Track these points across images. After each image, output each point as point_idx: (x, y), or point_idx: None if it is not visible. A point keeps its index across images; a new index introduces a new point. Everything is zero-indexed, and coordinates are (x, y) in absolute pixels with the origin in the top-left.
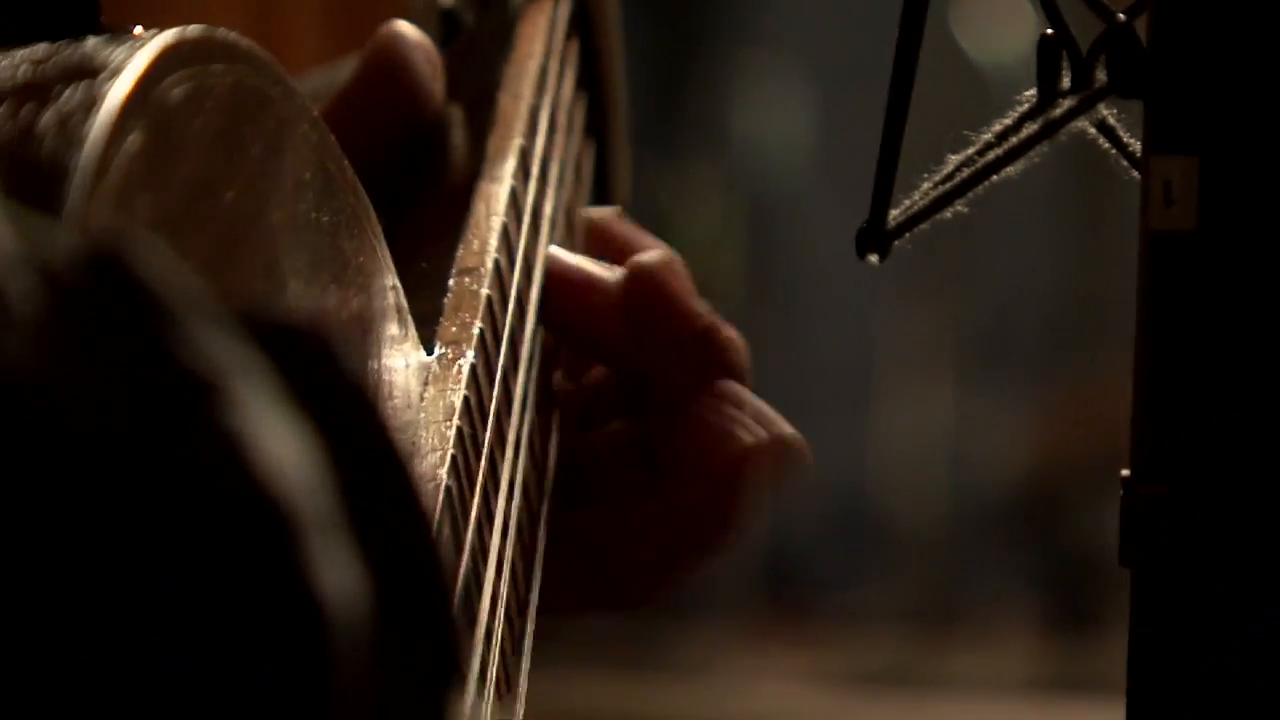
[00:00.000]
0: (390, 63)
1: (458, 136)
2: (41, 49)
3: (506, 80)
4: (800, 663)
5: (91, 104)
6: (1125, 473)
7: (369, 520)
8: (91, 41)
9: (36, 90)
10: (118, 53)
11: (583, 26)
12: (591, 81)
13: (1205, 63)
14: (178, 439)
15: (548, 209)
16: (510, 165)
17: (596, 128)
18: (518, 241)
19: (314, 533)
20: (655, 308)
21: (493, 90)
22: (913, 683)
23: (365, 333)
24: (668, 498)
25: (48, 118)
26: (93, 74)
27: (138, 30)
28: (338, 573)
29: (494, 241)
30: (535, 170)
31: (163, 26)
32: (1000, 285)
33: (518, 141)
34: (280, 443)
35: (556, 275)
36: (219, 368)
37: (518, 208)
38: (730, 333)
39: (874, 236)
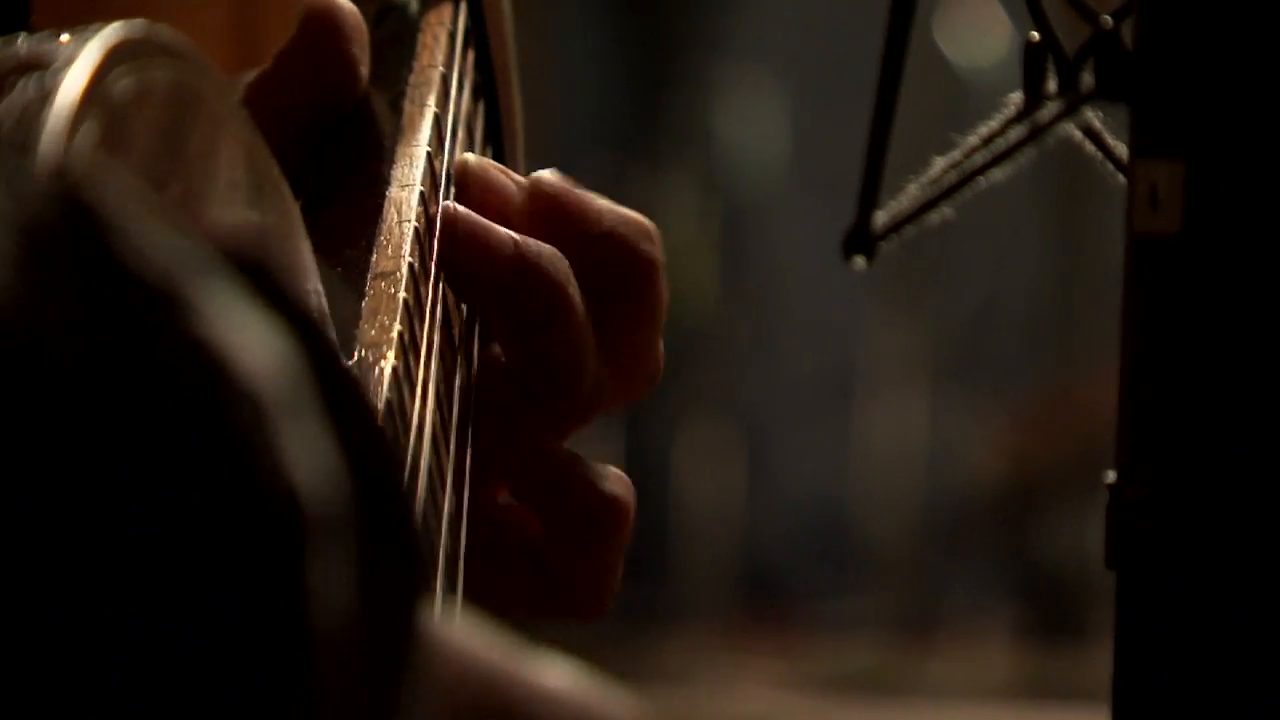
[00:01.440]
0: (328, 28)
1: (362, 139)
2: None
3: (410, 90)
4: (779, 670)
5: (46, 95)
6: (1111, 475)
7: (336, 409)
8: (29, 39)
9: None
10: (65, 47)
11: (479, 38)
12: (488, 91)
13: (1191, 67)
14: (142, 346)
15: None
16: (419, 171)
17: (493, 136)
18: (430, 245)
19: (286, 418)
20: (562, 207)
21: (398, 99)
22: (891, 690)
23: None
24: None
25: (4, 108)
26: (44, 66)
27: (64, 38)
28: (311, 457)
29: (407, 246)
30: (443, 176)
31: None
32: (977, 294)
33: (425, 149)
34: (245, 336)
35: (448, 222)
36: (180, 271)
37: (427, 213)
38: (540, 248)
39: (860, 239)
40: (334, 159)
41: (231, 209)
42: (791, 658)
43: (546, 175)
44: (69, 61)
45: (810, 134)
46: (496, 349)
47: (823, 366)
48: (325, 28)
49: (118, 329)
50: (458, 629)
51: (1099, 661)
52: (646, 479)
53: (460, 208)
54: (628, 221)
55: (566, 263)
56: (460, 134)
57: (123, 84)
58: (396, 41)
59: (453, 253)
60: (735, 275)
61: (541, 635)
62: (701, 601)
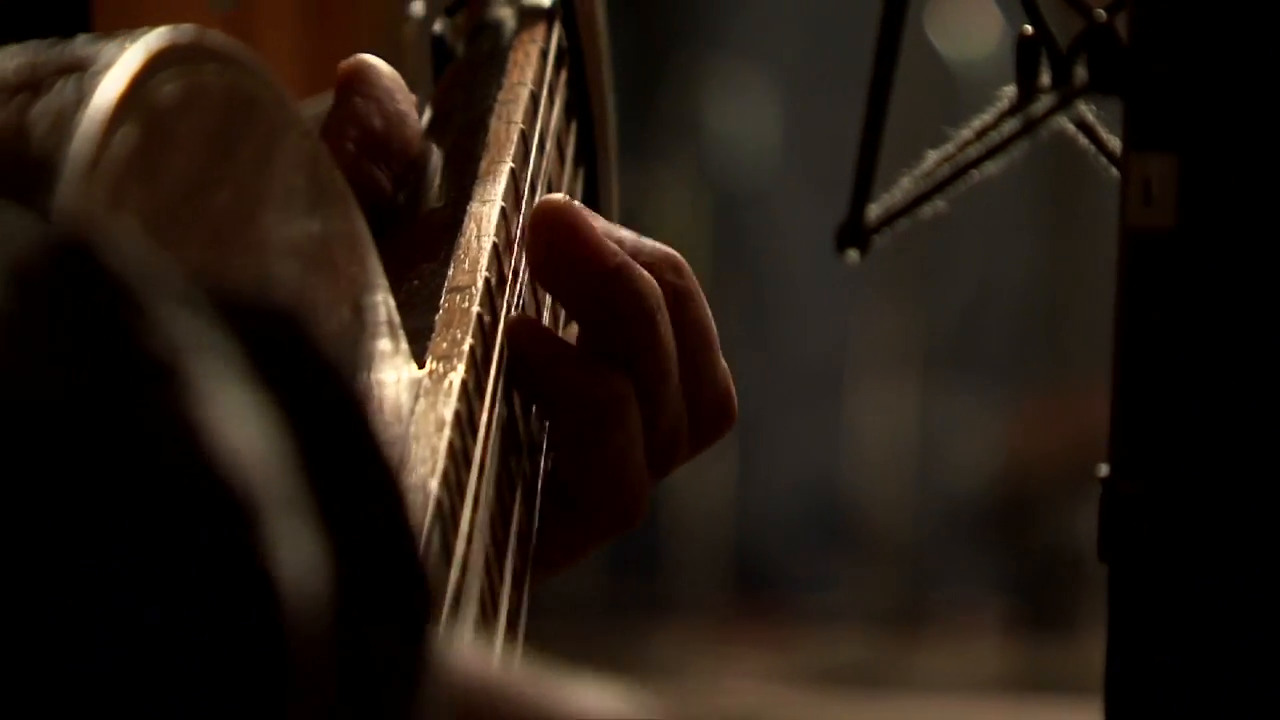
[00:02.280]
0: (355, 84)
1: (451, 159)
2: (33, 45)
3: (499, 107)
4: (770, 662)
5: (82, 98)
6: (1104, 469)
7: (334, 498)
8: (83, 38)
9: (28, 84)
10: (109, 48)
11: (574, 57)
12: (581, 110)
13: (1185, 61)
14: (130, 423)
15: None
16: (501, 187)
17: (586, 154)
18: (508, 262)
19: (270, 513)
20: (560, 244)
21: (485, 116)
22: (882, 682)
23: (355, 345)
24: (577, 527)
25: (38, 110)
26: (83, 68)
27: (135, 33)
28: (297, 552)
29: (484, 261)
30: (525, 193)
31: (99, 24)
32: (971, 285)
33: (508, 165)
34: (239, 423)
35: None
36: (179, 349)
37: (508, 230)
38: (643, 275)
39: (853, 232)
40: (422, 181)
41: (289, 215)
42: (781, 650)
43: (549, 198)
44: (109, 64)
45: (802, 126)
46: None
47: (814, 358)
48: (352, 85)
49: (108, 405)
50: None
51: (1090, 654)
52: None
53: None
54: (654, 252)
55: (652, 279)
56: (549, 149)
57: (168, 88)
58: (489, 59)
59: (538, 240)
60: (727, 267)
61: (533, 626)
62: (691, 594)
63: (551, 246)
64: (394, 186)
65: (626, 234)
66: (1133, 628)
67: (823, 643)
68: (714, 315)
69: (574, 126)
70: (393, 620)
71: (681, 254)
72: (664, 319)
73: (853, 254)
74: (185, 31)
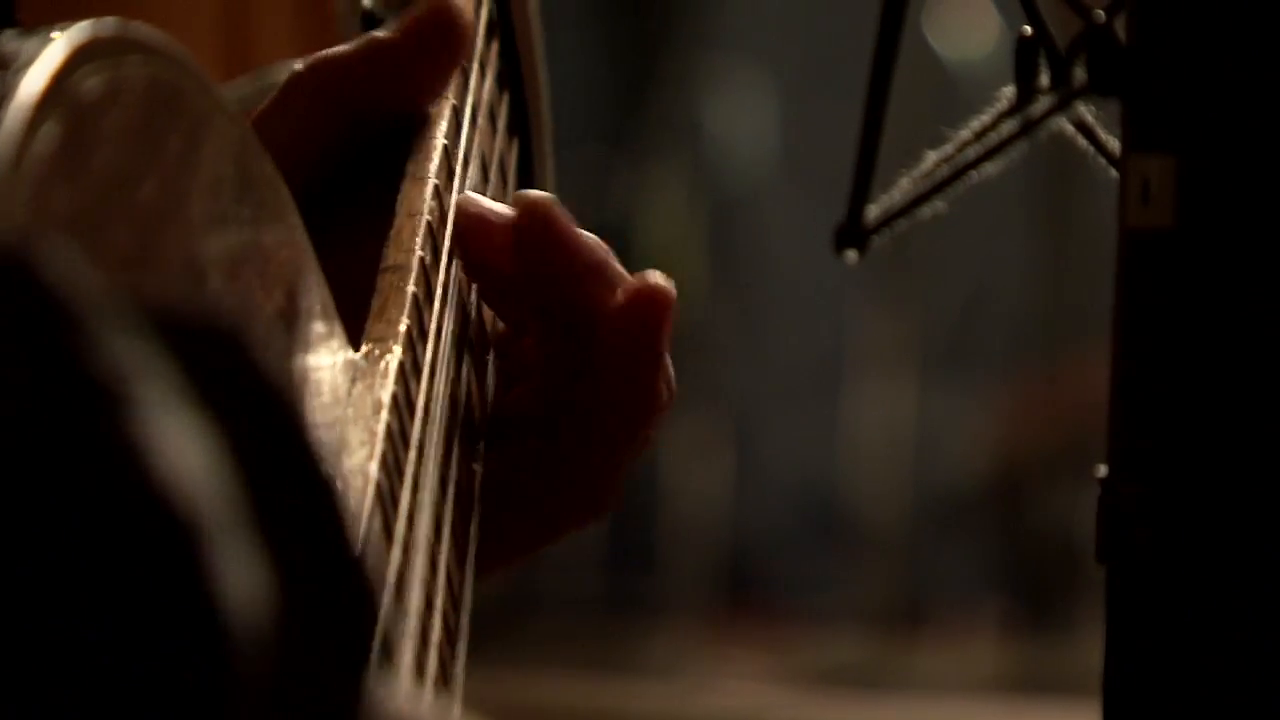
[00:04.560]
0: (452, 28)
1: (387, 134)
2: None
3: None
4: (766, 662)
5: (3, 96)
6: (1103, 471)
7: (277, 518)
8: (6, 34)
9: None
10: (29, 45)
11: (504, 27)
12: (514, 81)
13: (1184, 62)
14: (73, 448)
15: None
16: (434, 164)
17: (519, 126)
18: (442, 238)
19: (212, 537)
20: (548, 237)
21: None
22: (879, 682)
23: (289, 329)
24: (597, 390)
25: None
26: (4, 66)
27: (58, 28)
28: (237, 578)
29: (419, 240)
30: (458, 169)
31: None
32: (966, 286)
33: (441, 141)
34: (180, 447)
35: (460, 213)
36: (120, 373)
37: (441, 206)
38: (618, 269)
39: (852, 233)
40: (356, 154)
41: (217, 204)
42: (778, 650)
43: (534, 195)
44: (29, 61)
45: (798, 127)
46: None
47: (810, 358)
48: (454, 34)
49: (50, 429)
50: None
51: (1087, 654)
52: (633, 470)
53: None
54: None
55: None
56: (481, 123)
57: (91, 82)
58: None
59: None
60: (723, 267)
61: (528, 626)
62: (687, 593)
63: (538, 242)
64: (358, 155)
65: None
66: (1131, 629)
67: (819, 643)
68: (709, 315)
69: (506, 98)
70: (334, 646)
71: (677, 254)
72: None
73: (851, 255)
74: (107, 24)
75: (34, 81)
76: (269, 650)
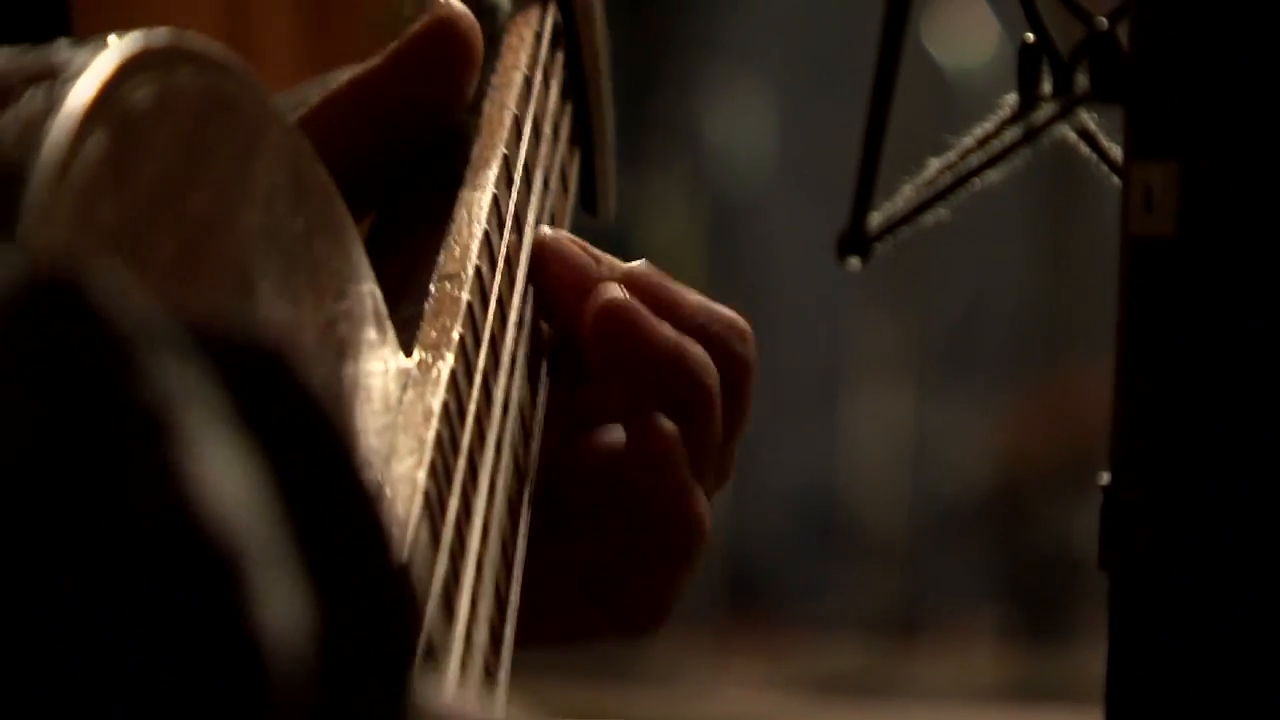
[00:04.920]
0: (454, 38)
1: (446, 144)
2: (5, 52)
3: (492, 91)
4: (766, 669)
5: (52, 107)
6: (1105, 478)
7: (320, 547)
8: (58, 44)
9: None
10: (80, 55)
11: (569, 38)
12: (577, 91)
13: (1186, 69)
14: (117, 476)
15: (530, 216)
16: (493, 173)
17: (582, 137)
18: (499, 248)
19: (255, 569)
20: (624, 343)
21: (479, 100)
22: (879, 690)
23: (342, 338)
24: (623, 509)
25: (7, 119)
26: (53, 76)
27: (110, 38)
28: (280, 607)
29: (475, 248)
30: (519, 178)
31: (98, 24)
32: (966, 290)
33: (501, 150)
34: (225, 477)
35: (548, 252)
36: (165, 400)
37: (500, 215)
38: (698, 351)
39: (855, 240)
40: (418, 163)
41: (271, 212)
42: (777, 658)
43: (641, 266)
44: (80, 71)
45: (798, 134)
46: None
47: (810, 366)
48: (452, 47)
49: (94, 457)
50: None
51: (1087, 662)
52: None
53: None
54: (722, 320)
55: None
56: (546, 131)
57: (141, 93)
58: (485, 42)
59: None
60: (723, 274)
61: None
62: (687, 601)
63: (610, 335)
64: (408, 163)
65: (695, 299)
66: (1133, 637)
67: (819, 650)
68: None
69: (569, 109)
70: (376, 675)
71: (677, 261)
72: (716, 405)
73: (854, 262)
74: (160, 35)
75: (82, 92)
76: (311, 680)
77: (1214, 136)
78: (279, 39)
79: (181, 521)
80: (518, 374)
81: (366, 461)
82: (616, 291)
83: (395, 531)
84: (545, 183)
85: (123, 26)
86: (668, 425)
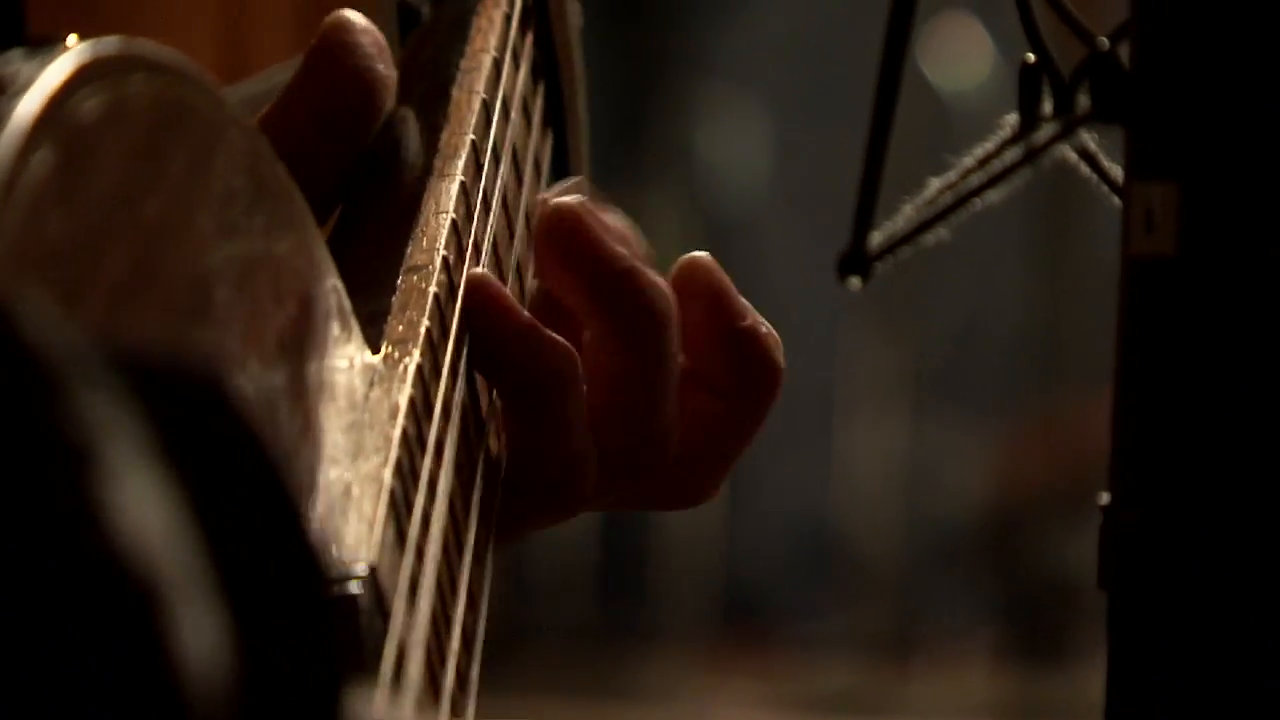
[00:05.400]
0: (335, 46)
1: (413, 131)
2: None
3: (461, 75)
4: (760, 690)
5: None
6: (1105, 498)
7: (245, 580)
8: (8, 55)
9: None
10: (27, 68)
11: (540, 17)
12: (549, 71)
13: (1187, 89)
14: (33, 508)
15: (495, 202)
16: (461, 161)
17: (554, 116)
18: (467, 237)
19: (175, 601)
20: (570, 248)
21: (447, 85)
22: (873, 711)
23: (305, 336)
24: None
25: None
26: (1, 90)
27: (70, 40)
28: (201, 639)
29: (443, 238)
30: (487, 164)
31: (96, 30)
32: (961, 316)
33: (469, 137)
34: (147, 510)
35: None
36: (89, 434)
37: (468, 203)
38: (653, 277)
39: (856, 260)
40: (384, 153)
41: (228, 217)
42: (772, 678)
43: (702, 257)
44: (26, 85)
45: (792, 154)
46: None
47: (805, 386)
48: (332, 46)
49: (14, 487)
50: None
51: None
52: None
53: (485, 280)
54: (767, 326)
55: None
56: (513, 115)
57: (90, 104)
58: (453, 24)
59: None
60: None
61: (522, 653)
62: (682, 622)
63: (558, 251)
64: (359, 158)
65: (744, 302)
66: (1132, 657)
67: (813, 672)
68: None
69: (541, 88)
70: (302, 706)
71: None
72: (667, 337)
73: (855, 281)
74: (109, 43)
75: (28, 107)
76: (233, 713)
77: (1215, 157)
78: (276, 45)
79: (101, 554)
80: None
81: (296, 490)
82: (566, 199)
83: (362, 533)
84: (516, 167)
85: (75, 23)
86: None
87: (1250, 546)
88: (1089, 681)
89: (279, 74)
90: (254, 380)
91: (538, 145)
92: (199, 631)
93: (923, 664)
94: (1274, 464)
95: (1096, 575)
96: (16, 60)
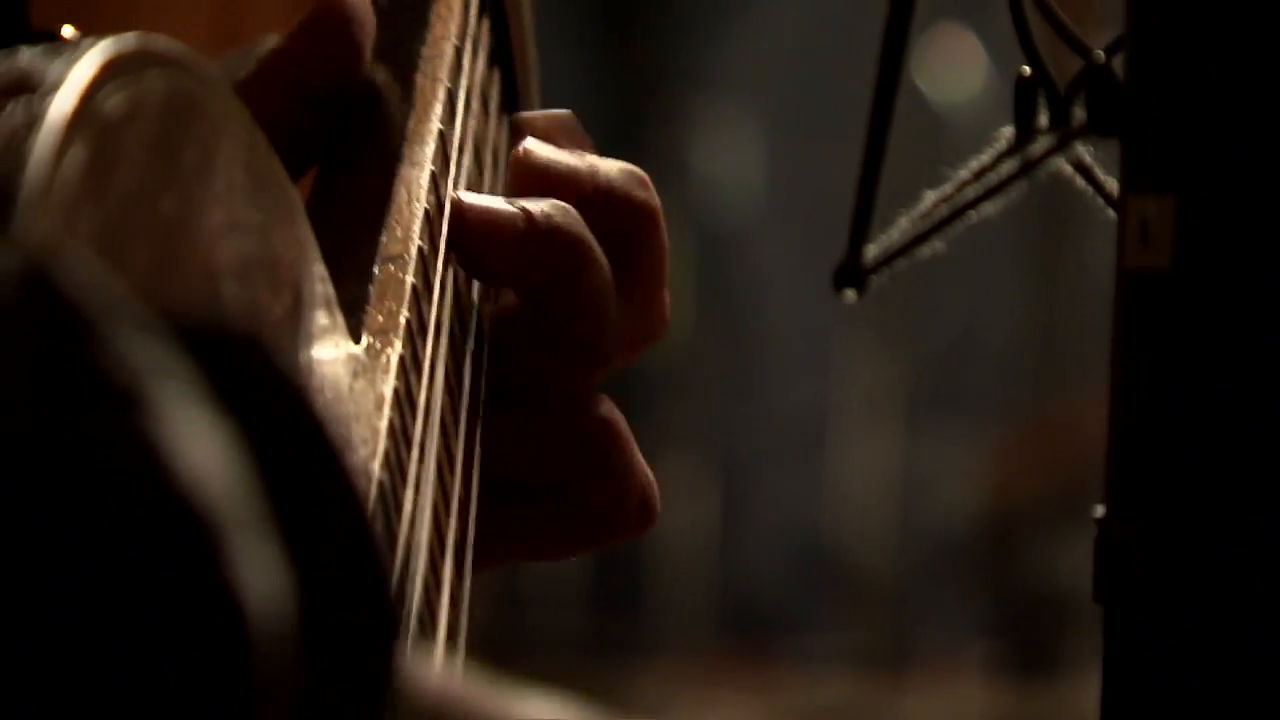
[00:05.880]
0: (337, 15)
1: (376, 114)
2: None
3: (424, 63)
4: (755, 704)
5: (33, 121)
6: (1099, 510)
7: (298, 517)
8: (26, 54)
9: None
10: (55, 66)
11: (495, 3)
12: (504, 57)
13: (1183, 102)
14: (95, 448)
15: (462, 190)
16: (430, 149)
17: (509, 103)
18: (440, 227)
19: (234, 536)
20: (549, 178)
21: (411, 72)
22: None
23: (296, 326)
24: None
25: None
26: (32, 89)
27: (66, 32)
28: (260, 574)
29: (416, 228)
30: (454, 154)
31: (93, 25)
32: (953, 327)
33: (436, 125)
34: (201, 447)
35: (460, 213)
36: (140, 375)
37: (438, 195)
38: (545, 212)
39: (851, 273)
40: (352, 137)
41: (230, 211)
42: (767, 692)
43: (532, 147)
44: (57, 84)
45: (786, 168)
46: (514, 302)
47: (799, 400)
48: (335, 14)
49: (71, 428)
50: (437, 677)
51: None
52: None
53: (465, 197)
54: (621, 172)
55: (577, 214)
56: (475, 104)
57: (113, 101)
58: (411, 11)
59: (466, 240)
60: (711, 309)
61: (516, 666)
62: (677, 635)
63: (466, 237)
64: (333, 136)
65: (580, 164)
66: (1127, 670)
67: (808, 685)
68: (697, 358)
69: (496, 75)
70: (358, 640)
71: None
72: (586, 274)
73: (850, 294)
74: (128, 40)
75: (62, 105)
76: (293, 649)
77: (1211, 170)
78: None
79: (157, 490)
80: (465, 355)
81: (342, 440)
82: (460, 195)
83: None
84: (478, 158)
85: (76, 16)
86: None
87: (1246, 559)
88: (1083, 695)
89: (265, 46)
90: None
91: (495, 133)
92: (258, 566)
93: (918, 677)
94: (1270, 477)
95: (1092, 588)
96: (39, 57)
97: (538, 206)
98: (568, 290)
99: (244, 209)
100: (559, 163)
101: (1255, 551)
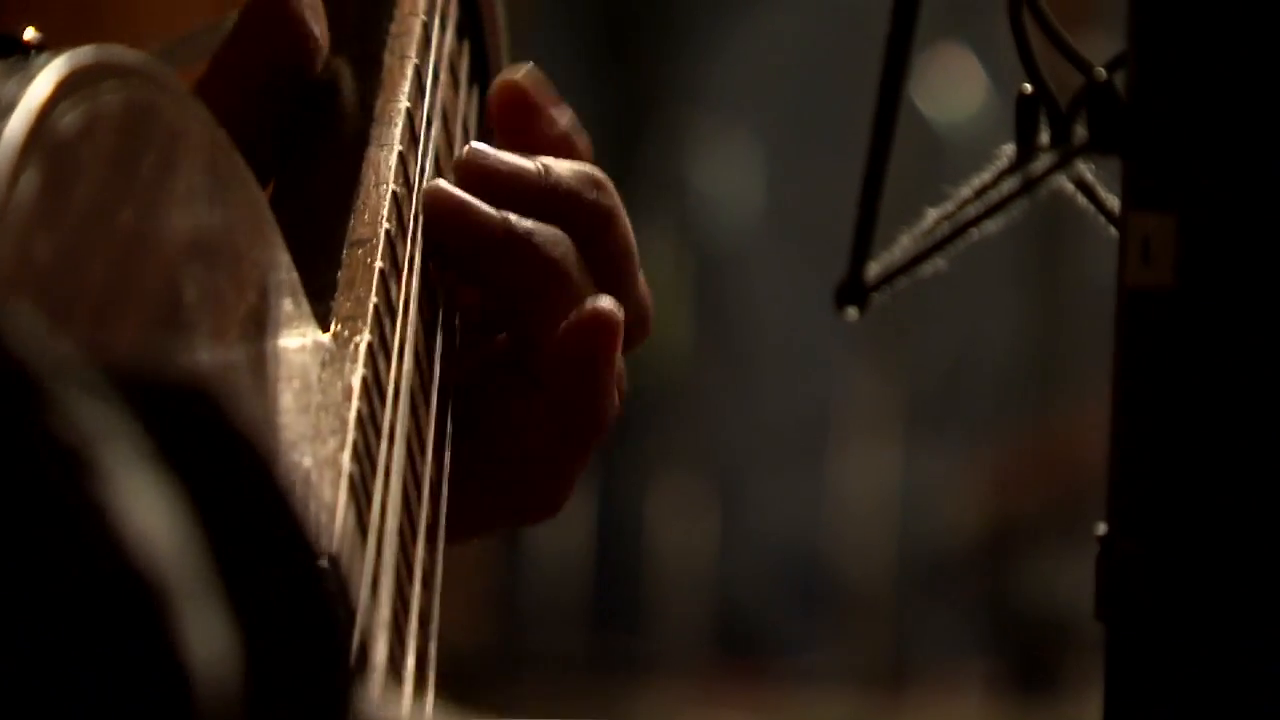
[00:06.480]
0: (271, 5)
1: (343, 96)
2: None
3: (391, 41)
4: None
5: None
6: (1101, 527)
7: (247, 577)
8: None
9: None
10: (8, 87)
11: None
12: (473, 29)
13: (1184, 119)
14: (41, 513)
15: (430, 170)
16: (398, 130)
17: (479, 75)
18: (408, 209)
19: (180, 600)
20: (448, 234)
21: (378, 51)
22: None
23: (264, 318)
24: (543, 398)
25: None
26: None
27: (28, 34)
28: (207, 638)
29: (384, 211)
30: (422, 133)
31: (93, 25)
32: (953, 346)
33: (404, 104)
34: (148, 509)
35: (433, 202)
36: (87, 437)
37: (406, 175)
38: (528, 227)
39: (853, 290)
40: (319, 121)
41: (191, 214)
42: (765, 708)
43: (479, 148)
44: (10, 106)
45: (785, 186)
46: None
47: (796, 417)
48: (275, 11)
49: (16, 493)
50: None
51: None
52: (619, 528)
53: (445, 190)
54: (573, 174)
55: (555, 230)
56: (443, 78)
57: (69, 119)
58: None
59: (444, 236)
60: (709, 325)
61: (515, 685)
62: (674, 652)
63: (438, 232)
64: (293, 121)
65: (530, 166)
66: (1129, 688)
67: (806, 703)
68: (696, 373)
69: (465, 47)
70: (309, 700)
71: (662, 312)
72: (564, 279)
73: (852, 312)
74: (85, 53)
75: (15, 128)
76: (240, 713)
77: (1212, 188)
78: None
79: (103, 556)
80: (433, 340)
81: (291, 486)
82: (439, 185)
83: (324, 521)
84: (447, 131)
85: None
86: (610, 306)
87: (1249, 577)
88: (1083, 713)
89: (204, 35)
90: (222, 368)
91: (465, 105)
92: (205, 630)
93: (916, 695)
94: (1272, 494)
95: (1094, 606)
96: None
97: (520, 223)
98: (541, 302)
99: (205, 210)
100: (506, 165)
101: (1258, 568)
